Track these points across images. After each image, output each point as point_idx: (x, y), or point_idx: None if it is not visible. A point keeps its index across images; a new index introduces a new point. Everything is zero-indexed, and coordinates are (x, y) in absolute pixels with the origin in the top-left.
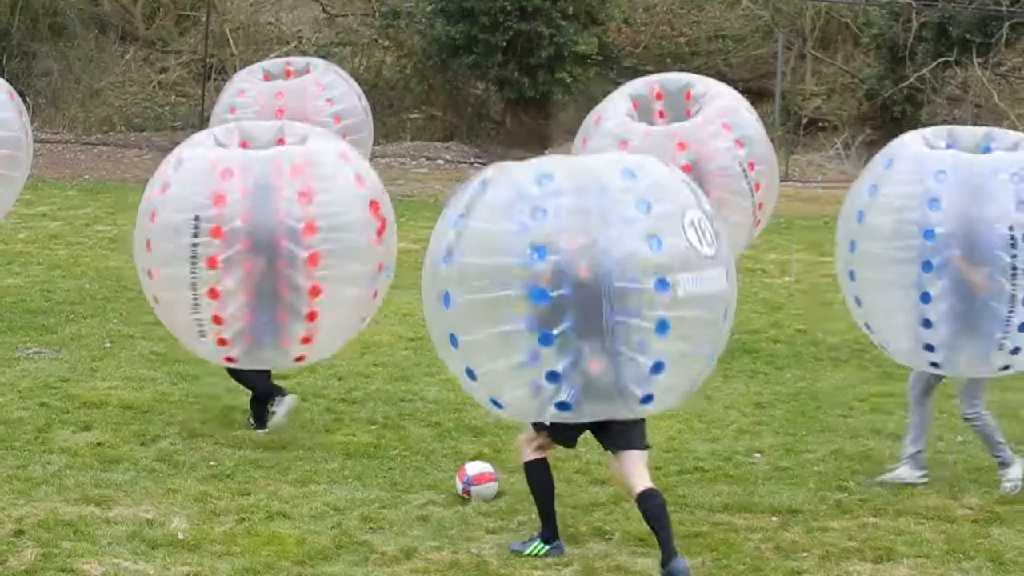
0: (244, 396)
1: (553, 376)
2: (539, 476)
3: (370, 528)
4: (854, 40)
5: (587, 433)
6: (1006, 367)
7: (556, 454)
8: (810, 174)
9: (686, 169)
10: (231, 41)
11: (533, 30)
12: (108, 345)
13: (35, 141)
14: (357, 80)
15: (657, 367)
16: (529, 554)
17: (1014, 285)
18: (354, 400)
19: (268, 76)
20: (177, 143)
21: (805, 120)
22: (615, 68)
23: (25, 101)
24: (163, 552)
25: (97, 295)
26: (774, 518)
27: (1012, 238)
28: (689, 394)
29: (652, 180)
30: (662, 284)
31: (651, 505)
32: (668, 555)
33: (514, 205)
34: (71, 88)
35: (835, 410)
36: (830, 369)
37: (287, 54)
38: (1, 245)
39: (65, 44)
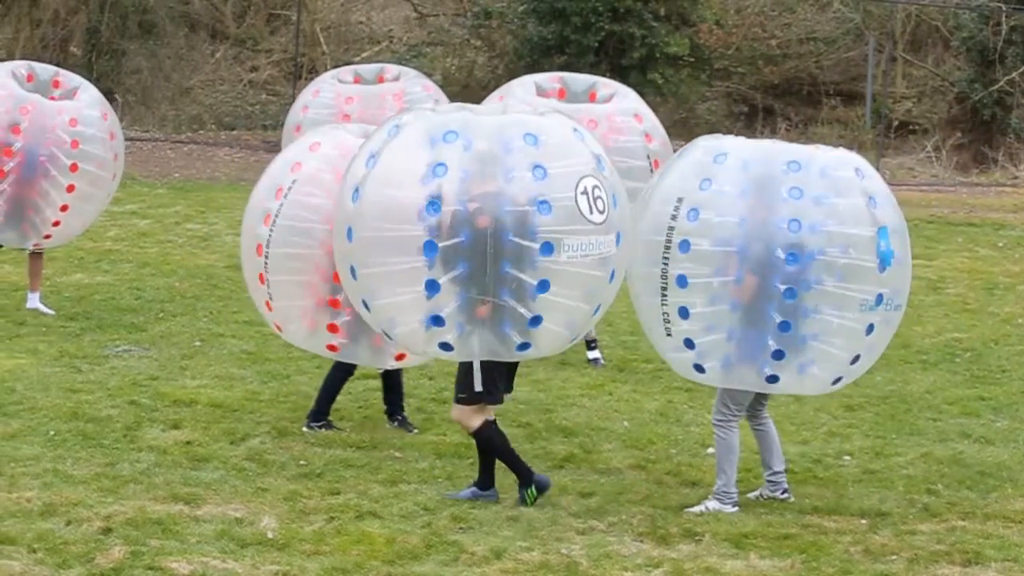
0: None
1: (437, 319)
2: (496, 434)
3: (460, 528)
4: (944, 43)
5: (679, 434)
6: (773, 377)
7: (648, 456)
8: (900, 177)
9: None
10: (322, 40)
11: (625, 31)
12: (198, 344)
13: (124, 139)
14: (448, 80)
15: (535, 320)
16: (527, 502)
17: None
18: (445, 400)
19: (359, 79)
20: (268, 142)
21: (896, 123)
22: (707, 70)
23: (114, 99)
24: (252, 551)
25: (187, 293)
26: (863, 521)
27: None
28: (571, 341)
29: (554, 144)
30: (547, 247)
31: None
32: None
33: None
34: (161, 86)
35: (924, 413)
36: (920, 372)
37: (378, 54)
38: (90, 243)
39: (155, 42)
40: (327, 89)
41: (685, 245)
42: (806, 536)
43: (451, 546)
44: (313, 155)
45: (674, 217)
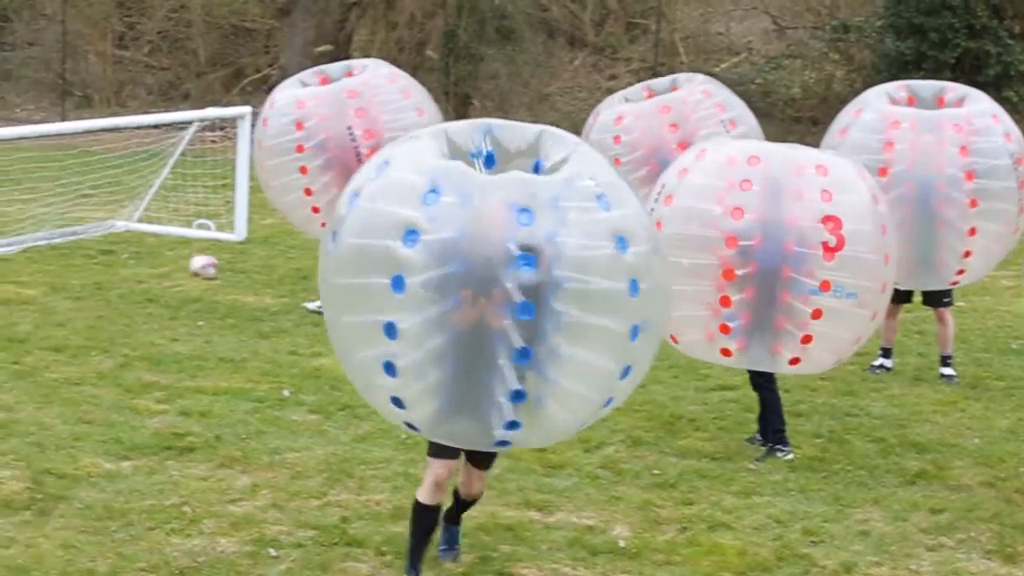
0: (690, 405)
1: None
2: (433, 520)
3: (811, 542)
4: None
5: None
6: None
7: (997, 474)
8: None
9: (962, 152)
10: (681, 50)
11: (980, 48)
12: None
13: None
14: (807, 93)
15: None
16: None
17: None
18: (799, 413)
19: (652, 93)
20: None
21: None
22: None
23: (471, 103)
24: (603, 559)
25: None
26: None
27: None
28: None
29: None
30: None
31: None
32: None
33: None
34: (518, 92)
35: None
36: None
37: (737, 65)
38: None
39: (513, 48)
40: (627, 110)
41: None
42: None
43: (801, 559)
44: (700, 163)
45: None
